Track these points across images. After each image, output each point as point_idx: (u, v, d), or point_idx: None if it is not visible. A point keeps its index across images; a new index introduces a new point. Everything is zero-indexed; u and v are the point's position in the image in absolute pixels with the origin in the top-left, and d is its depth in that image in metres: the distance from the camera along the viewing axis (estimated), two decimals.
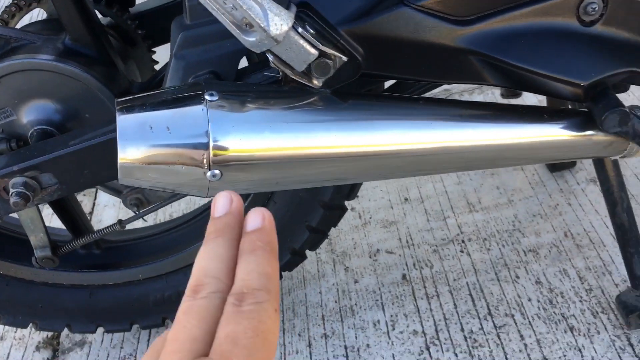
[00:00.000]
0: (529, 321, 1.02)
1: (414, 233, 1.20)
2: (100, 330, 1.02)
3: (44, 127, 0.78)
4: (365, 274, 1.14)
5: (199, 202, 1.29)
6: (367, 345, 1.03)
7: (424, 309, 1.07)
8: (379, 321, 1.06)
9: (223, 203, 0.37)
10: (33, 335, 1.13)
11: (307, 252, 0.98)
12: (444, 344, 1.01)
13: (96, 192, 1.42)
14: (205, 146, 0.57)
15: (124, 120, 0.56)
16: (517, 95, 0.96)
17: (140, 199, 0.83)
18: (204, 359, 0.30)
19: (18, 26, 0.86)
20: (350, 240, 1.21)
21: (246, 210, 0.37)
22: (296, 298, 1.12)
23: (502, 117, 0.69)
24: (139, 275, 0.97)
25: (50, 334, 1.13)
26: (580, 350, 0.97)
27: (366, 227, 1.23)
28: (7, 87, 0.76)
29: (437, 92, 1.48)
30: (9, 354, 1.11)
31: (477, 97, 1.47)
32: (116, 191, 0.89)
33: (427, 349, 1.01)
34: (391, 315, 1.06)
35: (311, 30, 0.56)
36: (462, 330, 1.02)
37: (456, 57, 0.64)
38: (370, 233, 1.22)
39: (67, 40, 0.77)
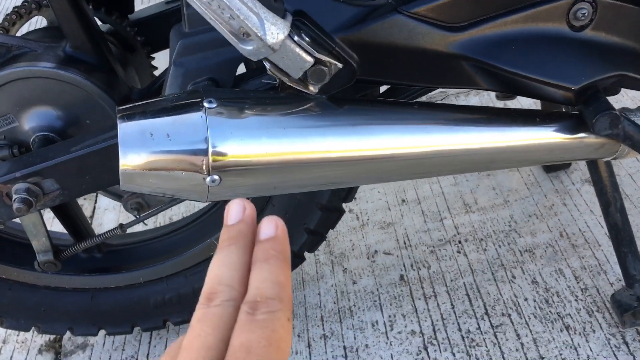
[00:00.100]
0: (526, 320, 1.03)
1: (412, 234, 1.21)
2: (102, 332, 1.03)
3: (46, 133, 0.79)
4: (364, 275, 1.15)
5: (198, 205, 1.30)
6: (366, 345, 1.04)
7: (421, 309, 1.08)
8: (377, 322, 1.07)
9: (236, 211, 0.38)
10: (35, 339, 1.15)
11: (306, 254, 0.99)
12: (442, 343, 1.02)
13: (97, 196, 1.43)
14: (205, 152, 0.58)
15: (125, 128, 0.58)
16: (512, 96, 0.98)
17: (141, 203, 0.85)
18: None
19: (19, 34, 0.88)
20: (348, 242, 1.22)
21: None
22: (295, 299, 1.13)
23: (495, 121, 0.70)
24: (140, 278, 0.98)
25: (52, 337, 1.14)
26: (576, 348, 0.98)
27: (364, 229, 1.25)
28: (9, 94, 0.77)
29: (434, 93, 1.49)
30: (11, 357, 1.12)
31: (473, 98, 1.48)
32: (117, 195, 0.90)
33: (425, 348, 1.02)
34: (389, 316, 1.08)
35: (307, 38, 0.58)
36: (460, 330, 1.04)
37: (449, 62, 0.65)
38: (368, 234, 1.23)
39: (68, 47, 0.78)
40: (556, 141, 0.72)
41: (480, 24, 0.64)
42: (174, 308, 1.00)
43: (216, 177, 0.59)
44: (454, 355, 1.00)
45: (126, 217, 1.32)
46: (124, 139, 0.58)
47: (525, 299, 1.06)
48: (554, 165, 1.27)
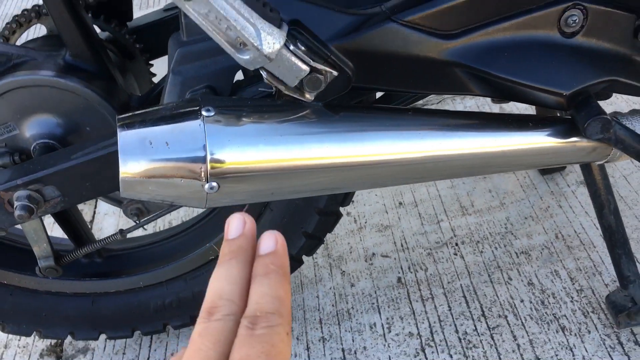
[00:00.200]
0: (522, 322, 1.04)
1: (409, 237, 1.23)
2: (102, 337, 1.04)
3: (46, 140, 0.80)
4: (361, 277, 1.17)
5: (197, 210, 1.31)
6: (364, 347, 1.05)
7: (419, 311, 1.09)
8: (375, 324, 1.08)
9: (236, 225, 0.38)
10: (37, 343, 1.15)
11: (304, 258, 1.00)
12: (439, 345, 1.03)
13: (96, 201, 1.44)
14: (203, 160, 0.59)
15: (124, 136, 0.59)
16: (507, 100, 0.99)
17: (140, 209, 0.86)
18: None
19: (19, 42, 0.89)
20: (346, 245, 1.24)
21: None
22: (294, 302, 1.14)
23: (489, 126, 0.72)
24: (140, 283, 0.99)
25: (53, 341, 1.15)
26: (571, 349, 0.99)
27: (362, 232, 1.26)
28: (10, 102, 0.78)
29: (430, 96, 1.51)
30: None
31: (469, 101, 1.50)
32: (117, 201, 0.91)
33: (423, 350, 1.03)
34: (387, 318, 1.09)
35: (302, 47, 0.59)
36: (457, 331, 1.05)
37: (443, 69, 0.66)
38: (365, 237, 1.24)
39: (68, 56, 0.79)
40: (549, 145, 0.73)
41: (473, 31, 0.65)
42: (174, 312, 1.01)
43: (214, 184, 0.60)
44: (451, 356, 1.01)
45: (126, 221, 1.33)
46: (124, 147, 0.59)
47: (522, 301, 1.07)
48: (549, 167, 1.28)
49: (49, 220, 1.10)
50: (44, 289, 0.98)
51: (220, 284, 0.36)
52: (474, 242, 1.19)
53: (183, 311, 1.01)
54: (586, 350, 0.99)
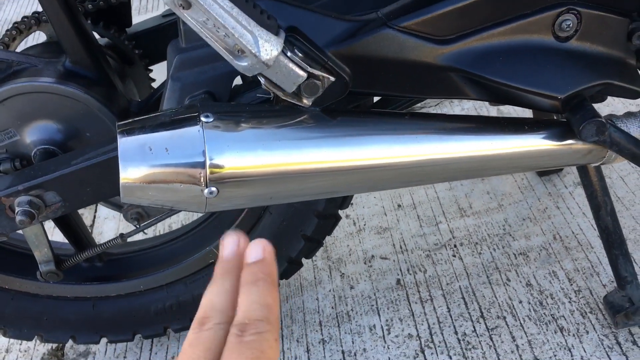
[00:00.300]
0: (520, 323, 1.05)
1: (408, 239, 1.23)
2: (103, 340, 1.04)
3: (47, 146, 0.81)
4: (361, 279, 1.17)
5: (197, 214, 1.31)
6: (364, 349, 1.06)
7: (418, 313, 1.10)
8: (374, 326, 1.09)
9: (231, 246, 0.39)
10: (38, 347, 1.16)
11: (303, 260, 1.01)
12: (438, 346, 1.04)
13: (97, 205, 1.45)
14: (202, 165, 0.60)
15: (124, 143, 0.60)
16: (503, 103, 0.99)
17: (141, 213, 0.86)
18: None
19: (19, 49, 0.89)
20: (345, 247, 1.24)
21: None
22: (294, 305, 1.15)
23: (485, 129, 0.72)
24: (141, 286, 1.00)
25: (55, 345, 1.15)
26: (570, 350, 1.00)
27: (361, 234, 1.26)
28: (10, 109, 0.79)
29: (428, 99, 1.51)
30: None
31: (467, 104, 1.50)
32: (117, 206, 0.92)
33: (422, 352, 1.04)
34: (386, 320, 1.09)
35: (300, 54, 0.60)
36: (456, 333, 1.05)
37: (439, 74, 0.67)
38: (364, 240, 1.25)
39: (67, 62, 0.80)
40: (545, 148, 0.74)
41: (468, 36, 0.66)
42: (174, 315, 1.02)
43: (214, 188, 0.61)
44: (450, 358, 1.02)
45: (126, 225, 1.34)
46: (124, 153, 0.59)
47: (520, 302, 1.08)
48: (546, 169, 1.28)
49: (49, 225, 1.11)
50: (45, 293, 0.98)
51: (212, 296, 0.36)
52: (473, 243, 1.20)
53: (183, 314, 1.01)
54: (584, 351, 0.99)
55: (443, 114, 0.73)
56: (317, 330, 1.10)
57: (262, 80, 0.61)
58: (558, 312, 1.05)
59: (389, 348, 1.05)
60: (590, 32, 0.69)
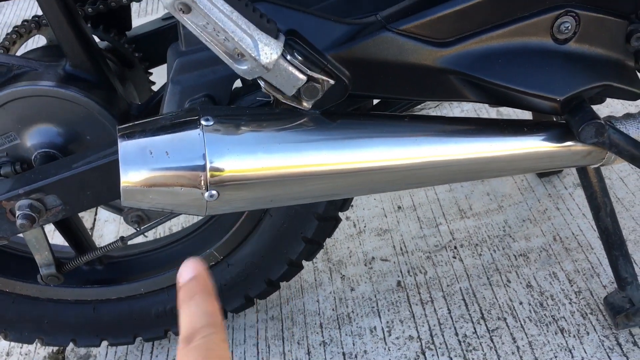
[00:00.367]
0: (521, 324, 1.05)
1: (408, 240, 1.23)
2: (104, 343, 1.04)
3: (47, 150, 0.81)
4: (361, 281, 1.17)
5: (197, 216, 1.31)
6: (365, 351, 1.06)
7: (418, 314, 1.10)
8: (375, 327, 1.09)
9: (187, 271, 0.41)
10: (39, 350, 1.16)
11: (304, 262, 1.01)
12: (439, 348, 1.04)
13: (97, 208, 1.45)
14: (203, 168, 0.60)
15: (125, 146, 0.60)
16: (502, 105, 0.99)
17: (141, 216, 0.86)
18: None
19: (19, 52, 0.90)
20: (345, 249, 1.24)
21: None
22: (294, 307, 1.15)
23: (484, 131, 0.72)
24: (141, 289, 1.00)
25: (55, 348, 1.15)
26: (570, 351, 1.00)
27: (361, 236, 1.26)
28: (11, 112, 0.79)
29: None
30: None
31: (466, 105, 1.51)
32: (117, 209, 0.92)
33: (423, 353, 1.04)
34: (387, 322, 1.10)
35: (299, 57, 0.60)
36: (457, 334, 1.06)
37: (438, 77, 0.67)
38: (365, 241, 1.25)
39: (68, 66, 0.80)
40: (544, 150, 0.74)
41: (467, 39, 0.66)
42: (175, 318, 1.02)
43: (214, 192, 0.61)
44: (451, 359, 1.02)
45: (126, 228, 1.34)
46: (125, 157, 0.60)
47: (521, 303, 1.08)
48: (545, 171, 1.28)
49: (49, 228, 1.11)
50: (46, 297, 0.99)
51: (190, 317, 0.38)
52: (473, 245, 1.20)
53: None
54: (585, 352, 0.99)
55: (442, 116, 0.73)
56: (317, 333, 1.10)
57: (262, 83, 0.61)
58: (558, 313, 1.05)
59: (389, 350, 1.05)
60: (589, 34, 0.69)
